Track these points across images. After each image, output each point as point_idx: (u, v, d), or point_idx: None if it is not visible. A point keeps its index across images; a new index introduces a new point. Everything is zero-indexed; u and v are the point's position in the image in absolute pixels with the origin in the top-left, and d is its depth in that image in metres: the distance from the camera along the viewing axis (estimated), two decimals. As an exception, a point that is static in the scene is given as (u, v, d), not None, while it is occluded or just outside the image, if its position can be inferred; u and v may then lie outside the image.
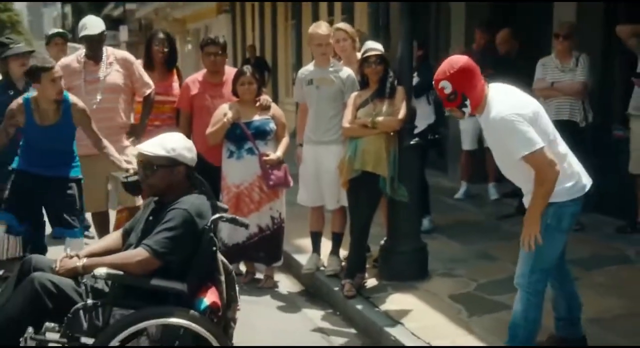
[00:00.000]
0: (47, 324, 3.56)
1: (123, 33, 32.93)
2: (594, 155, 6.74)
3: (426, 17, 10.81)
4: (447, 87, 4.06)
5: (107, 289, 3.64)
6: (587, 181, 4.23)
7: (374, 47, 6.00)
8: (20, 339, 3.49)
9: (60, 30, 9.12)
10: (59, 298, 3.56)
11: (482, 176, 9.00)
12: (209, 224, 3.75)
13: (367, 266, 6.26)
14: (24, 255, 6.34)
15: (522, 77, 7.09)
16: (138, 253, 3.65)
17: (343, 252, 6.46)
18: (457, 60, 4.14)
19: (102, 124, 6.26)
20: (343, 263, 6.38)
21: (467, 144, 8.96)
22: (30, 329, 3.49)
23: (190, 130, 6.67)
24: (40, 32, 24.37)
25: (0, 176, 6.31)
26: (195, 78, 6.86)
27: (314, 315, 5.89)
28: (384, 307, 5.58)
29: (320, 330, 5.57)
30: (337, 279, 6.18)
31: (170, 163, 3.90)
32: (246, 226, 4.21)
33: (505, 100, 4.06)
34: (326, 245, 6.57)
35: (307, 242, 6.86)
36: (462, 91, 4.05)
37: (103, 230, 6.54)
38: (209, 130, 6.36)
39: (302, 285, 6.64)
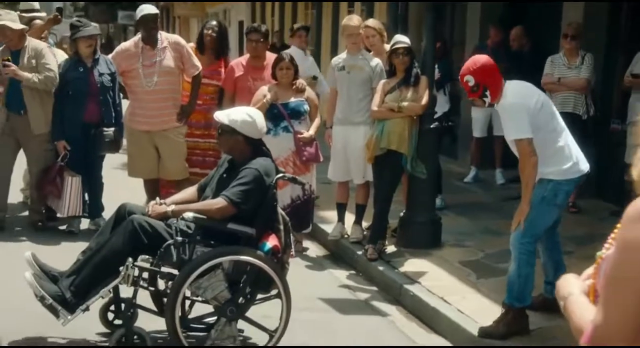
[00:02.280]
0: (143, 256, 4.37)
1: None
2: (595, 146, 7.49)
3: (442, 14, 11.50)
4: (470, 80, 4.90)
5: (190, 231, 4.44)
6: (584, 166, 4.99)
7: (402, 40, 6.76)
8: (121, 268, 4.31)
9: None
10: (153, 235, 4.37)
11: (490, 162, 9.75)
12: (273, 182, 4.56)
13: (387, 235, 7.04)
14: (83, 214, 7.21)
15: (533, 71, 7.88)
16: (218, 202, 4.45)
17: (364, 223, 7.25)
18: (479, 58, 4.97)
19: (157, 104, 7.14)
20: (365, 232, 7.17)
21: (477, 132, 9.70)
22: (130, 259, 4.31)
23: (233, 109, 7.44)
24: (49, 7, 25.05)
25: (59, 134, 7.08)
26: (239, 61, 7.65)
27: (340, 275, 6.66)
28: (402, 269, 6.35)
29: (346, 287, 6.35)
30: (360, 246, 6.96)
31: (229, 130, 4.70)
32: (303, 184, 5.01)
33: (515, 91, 4.88)
34: (349, 217, 7.36)
35: (332, 214, 7.64)
36: (484, 83, 4.87)
37: (153, 195, 7.31)
38: (250, 109, 7.13)
39: (328, 251, 7.41)
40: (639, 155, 1.73)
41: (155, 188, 7.49)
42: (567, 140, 4.97)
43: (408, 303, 5.84)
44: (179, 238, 4.35)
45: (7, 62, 6.91)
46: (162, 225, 4.42)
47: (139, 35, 7.48)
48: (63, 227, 7.40)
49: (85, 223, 7.44)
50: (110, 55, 7.59)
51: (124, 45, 7.61)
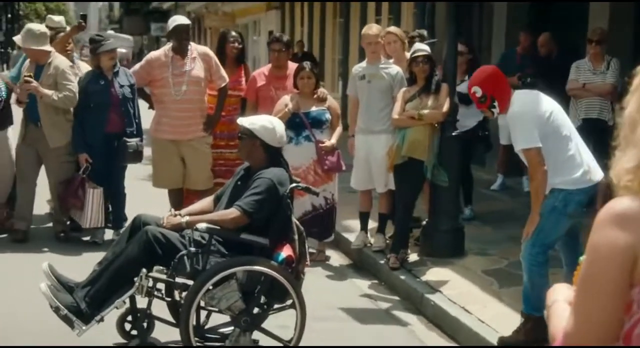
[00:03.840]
0: (157, 267, 4.40)
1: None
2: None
3: (469, 19, 11.46)
4: (478, 91, 4.87)
5: (204, 241, 4.45)
6: (596, 175, 4.84)
7: (422, 48, 6.74)
8: (135, 279, 4.34)
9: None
10: (167, 246, 4.38)
11: (517, 169, 9.65)
12: (287, 191, 4.56)
13: (409, 244, 7.00)
14: (106, 225, 7.27)
15: (560, 77, 7.82)
16: (231, 212, 4.46)
17: (387, 232, 7.21)
18: (486, 69, 4.95)
19: (185, 113, 7.19)
20: (387, 241, 7.13)
21: (504, 139, 9.57)
22: (144, 270, 4.33)
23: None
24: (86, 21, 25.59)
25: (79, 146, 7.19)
26: (261, 71, 7.68)
27: (362, 284, 6.63)
28: (424, 278, 6.32)
29: (367, 296, 6.32)
30: (382, 254, 6.93)
31: (249, 134, 4.73)
32: (317, 194, 5.01)
33: (523, 101, 4.82)
34: (372, 225, 7.33)
35: (354, 223, 7.62)
36: (491, 94, 4.83)
37: (176, 205, 7.34)
38: (272, 118, 7.15)
39: (350, 260, 7.38)
40: (616, 157, 1.70)
41: (180, 198, 7.53)
42: (579, 148, 4.87)
43: (429, 312, 5.80)
44: (193, 249, 4.36)
45: (29, 78, 7.03)
46: (176, 236, 4.43)
47: (169, 45, 7.54)
48: (87, 238, 7.47)
49: (109, 234, 7.50)
50: (138, 64, 7.66)
51: (153, 54, 7.67)
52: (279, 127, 4.86)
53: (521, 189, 9.53)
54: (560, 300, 1.88)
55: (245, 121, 4.80)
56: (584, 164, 4.82)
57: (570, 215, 4.84)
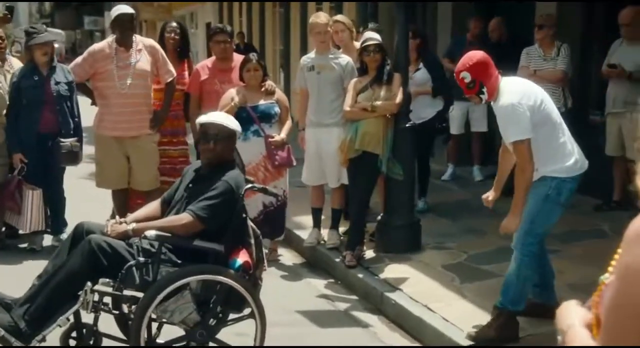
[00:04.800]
0: (103, 279, 4.05)
1: (108, 19, 33.08)
2: (574, 139, 7.26)
3: (413, 6, 11.24)
4: (467, 77, 4.64)
5: (153, 250, 4.12)
6: (585, 162, 4.75)
7: (374, 36, 6.49)
8: (80, 292, 3.97)
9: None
10: (113, 256, 4.03)
11: (468, 159, 9.53)
12: (242, 193, 4.25)
13: (365, 240, 6.77)
14: (45, 230, 6.87)
15: (511, 64, 7.65)
16: (183, 217, 4.14)
17: (341, 228, 6.96)
18: (475, 54, 4.74)
19: (130, 108, 6.80)
20: (342, 238, 6.89)
21: (455, 129, 9.46)
22: (89, 283, 3.97)
23: (200, 114, 7.12)
24: (15, 18, 24.91)
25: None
26: (205, 64, 7.33)
27: (317, 284, 6.38)
28: (382, 275, 6.08)
29: (324, 296, 6.07)
30: (337, 252, 6.68)
31: (231, 135, 4.47)
32: (275, 195, 4.71)
33: (513, 90, 4.61)
34: (325, 222, 7.07)
35: (307, 220, 7.36)
36: (480, 80, 4.61)
37: (121, 206, 6.99)
38: (217, 113, 6.83)
39: (304, 258, 7.12)
40: None
41: (125, 199, 7.16)
42: (569, 135, 4.74)
43: (390, 312, 5.57)
44: (142, 259, 4.03)
45: None
46: (123, 245, 4.08)
47: (112, 37, 7.14)
48: (24, 245, 7.05)
49: (48, 240, 7.09)
50: (80, 57, 7.24)
51: (96, 46, 7.25)
52: None
53: (472, 179, 9.41)
54: (577, 325, 1.64)
55: (224, 120, 4.52)
56: (575, 151, 4.67)
57: (563, 204, 4.68)
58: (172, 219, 4.20)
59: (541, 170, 4.58)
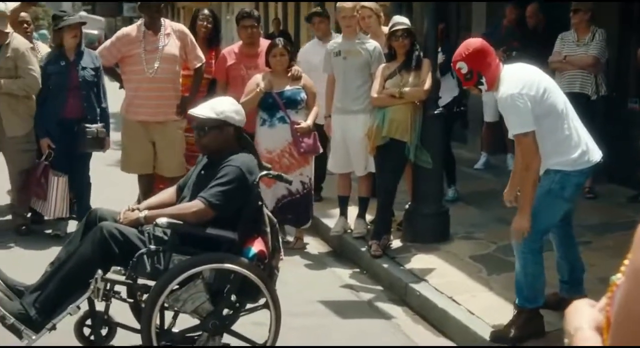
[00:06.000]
0: (114, 267, 3.97)
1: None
2: (609, 128, 7.05)
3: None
4: (463, 67, 4.42)
5: (166, 237, 4.03)
6: (595, 155, 4.48)
7: (402, 21, 6.33)
8: (90, 280, 3.90)
9: None
10: (125, 244, 3.95)
11: (502, 147, 9.32)
12: (256, 180, 4.14)
13: (392, 229, 6.63)
14: (70, 216, 6.85)
15: (547, 50, 7.44)
16: (195, 204, 4.03)
17: (368, 217, 6.83)
18: (472, 42, 4.51)
19: (157, 92, 6.71)
20: (369, 227, 6.76)
21: (488, 116, 9.26)
22: (99, 271, 3.89)
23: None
24: (58, 6, 25.24)
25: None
26: (231, 49, 7.24)
27: (342, 274, 6.26)
28: (408, 265, 5.95)
29: (349, 286, 5.95)
30: (364, 241, 6.55)
31: (219, 125, 4.25)
32: (290, 182, 4.60)
33: (514, 79, 4.35)
34: (352, 210, 6.95)
35: (333, 208, 7.24)
36: (478, 70, 4.39)
37: (147, 191, 6.93)
38: (242, 99, 6.66)
39: (330, 247, 7.01)
40: None
41: (150, 185, 7.09)
42: (576, 126, 4.46)
43: (414, 303, 5.44)
44: (153, 247, 3.94)
45: None
46: (135, 232, 3.99)
47: (141, 21, 7.07)
48: (49, 231, 7.03)
49: (73, 226, 7.06)
50: (109, 41, 7.19)
51: (124, 29, 7.19)
52: (238, 105, 4.46)
53: (506, 168, 9.20)
54: (586, 328, 1.50)
55: (207, 111, 4.26)
56: (582, 143, 4.42)
57: (567, 199, 4.45)
58: (183, 206, 4.10)
59: (545, 164, 4.34)
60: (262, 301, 4.13)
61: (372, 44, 6.62)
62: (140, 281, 4.02)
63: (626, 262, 1.46)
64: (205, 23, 7.42)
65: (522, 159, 4.34)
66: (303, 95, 6.72)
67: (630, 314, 1.30)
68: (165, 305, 4.00)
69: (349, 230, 6.86)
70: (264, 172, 4.24)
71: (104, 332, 4.13)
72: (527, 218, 4.33)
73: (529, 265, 4.47)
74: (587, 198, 7.33)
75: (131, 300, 4.19)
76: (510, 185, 4.78)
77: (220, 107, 4.29)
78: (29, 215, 7.17)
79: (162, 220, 3.88)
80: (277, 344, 4.24)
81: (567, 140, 4.37)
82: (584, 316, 1.55)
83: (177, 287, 3.92)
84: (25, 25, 7.52)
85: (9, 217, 7.40)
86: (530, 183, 4.31)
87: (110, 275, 3.93)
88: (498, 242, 6.38)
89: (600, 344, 1.43)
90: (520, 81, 4.33)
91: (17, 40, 6.86)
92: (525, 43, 7.93)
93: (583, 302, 1.64)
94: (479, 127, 9.69)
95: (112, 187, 7.86)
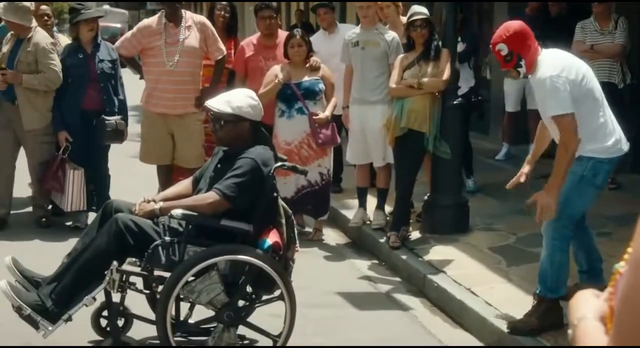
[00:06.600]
0: (130, 259, 3.99)
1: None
2: (634, 116, 6.96)
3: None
4: (503, 49, 4.39)
5: (181, 229, 4.04)
6: (625, 144, 4.49)
7: (420, 11, 6.28)
8: (106, 272, 3.92)
9: None
10: (140, 236, 3.96)
11: (524, 138, 9.23)
12: (272, 171, 4.13)
13: (411, 221, 6.60)
14: (90, 208, 6.88)
15: (570, 39, 7.36)
16: (209, 196, 4.03)
17: (387, 208, 6.81)
18: (512, 24, 4.48)
19: (176, 86, 6.71)
20: (388, 218, 6.73)
21: (510, 106, 9.19)
22: (115, 263, 3.91)
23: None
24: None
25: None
26: (250, 41, 7.22)
27: (361, 265, 6.24)
28: (427, 257, 5.92)
29: (367, 278, 5.93)
30: (382, 232, 6.53)
31: (235, 119, 4.24)
32: (305, 173, 4.58)
33: (553, 62, 4.34)
34: (371, 201, 6.93)
35: (352, 199, 7.22)
36: (518, 52, 4.37)
37: (165, 182, 6.94)
38: (261, 90, 6.63)
39: (349, 238, 7.00)
40: None
41: (169, 176, 7.10)
42: (609, 114, 4.46)
43: (432, 295, 5.42)
44: (168, 238, 3.95)
45: (3, 71, 6.66)
46: (150, 224, 4.00)
47: (162, 12, 7.05)
48: (69, 223, 7.08)
49: (93, 218, 7.08)
50: (129, 32, 7.21)
51: (145, 21, 7.19)
52: (255, 99, 4.41)
53: (527, 158, 9.12)
54: (590, 318, 1.47)
55: (223, 105, 4.24)
56: (616, 131, 4.42)
57: (599, 186, 4.44)
58: (198, 198, 4.10)
59: (579, 150, 4.31)
60: (277, 293, 4.13)
61: (390, 34, 6.58)
62: (156, 272, 4.03)
63: (630, 249, 1.42)
64: (223, 12, 7.40)
65: (560, 138, 4.30)
66: (321, 85, 6.71)
67: (634, 304, 1.27)
68: (181, 296, 4.01)
69: (368, 222, 6.84)
70: (279, 164, 4.23)
71: (120, 323, 4.15)
72: (554, 198, 4.29)
73: (556, 253, 4.44)
74: (610, 188, 7.25)
75: (147, 292, 4.21)
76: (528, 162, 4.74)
77: (236, 101, 4.28)
78: (49, 207, 7.20)
79: (177, 212, 3.89)
80: (293, 335, 4.23)
81: (603, 127, 4.35)
82: (587, 306, 1.51)
83: (192, 278, 3.93)
84: (45, 18, 7.54)
85: (30, 208, 7.45)
86: (565, 163, 4.27)
87: (125, 267, 3.95)
88: (518, 233, 6.34)
89: (603, 334, 1.40)
90: (559, 64, 4.32)
91: (39, 35, 6.88)
92: (548, 32, 7.84)
93: (588, 292, 1.61)
94: (500, 118, 9.61)
95: (132, 180, 7.89)
